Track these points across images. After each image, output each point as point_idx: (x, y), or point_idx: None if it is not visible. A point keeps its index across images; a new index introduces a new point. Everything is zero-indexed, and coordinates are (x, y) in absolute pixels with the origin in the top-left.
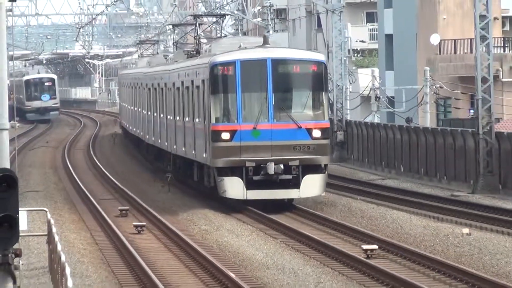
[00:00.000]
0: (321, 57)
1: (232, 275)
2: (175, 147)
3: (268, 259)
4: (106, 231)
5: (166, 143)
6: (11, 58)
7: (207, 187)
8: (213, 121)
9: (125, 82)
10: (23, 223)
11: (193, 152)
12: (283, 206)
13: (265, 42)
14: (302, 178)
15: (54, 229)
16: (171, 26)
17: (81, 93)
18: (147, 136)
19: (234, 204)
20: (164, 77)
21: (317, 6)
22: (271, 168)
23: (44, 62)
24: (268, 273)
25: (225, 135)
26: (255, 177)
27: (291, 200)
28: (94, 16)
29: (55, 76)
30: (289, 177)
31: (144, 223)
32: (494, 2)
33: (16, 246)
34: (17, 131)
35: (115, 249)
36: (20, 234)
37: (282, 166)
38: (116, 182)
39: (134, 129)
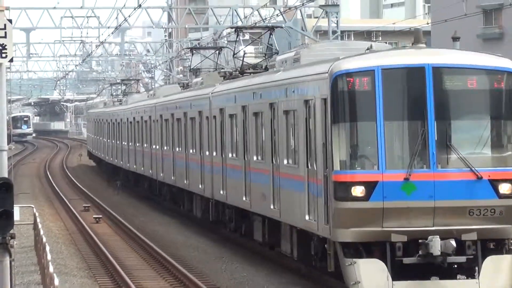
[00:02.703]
0: (510, 64)
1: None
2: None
3: (187, 241)
4: (74, 221)
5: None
6: (9, 101)
7: (313, 264)
8: (336, 166)
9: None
10: (16, 215)
11: (247, 199)
12: None
13: (417, 40)
14: (483, 261)
15: (38, 220)
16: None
17: (57, 125)
18: (133, 166)
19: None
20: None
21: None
22: (436, 246)
23: (32, 104)
24: (186, 251)
25: (358, 190)
26: (407, 259)
27: None
28: (67, 72)
29: (30, 114)
30: (462, 259)
31: (101, 216)
32: None
33: (11, 231)
34: (12, 152)
35: (80, 233)
36: (14, 223)
37: (453, 242)
38: (82, 187)
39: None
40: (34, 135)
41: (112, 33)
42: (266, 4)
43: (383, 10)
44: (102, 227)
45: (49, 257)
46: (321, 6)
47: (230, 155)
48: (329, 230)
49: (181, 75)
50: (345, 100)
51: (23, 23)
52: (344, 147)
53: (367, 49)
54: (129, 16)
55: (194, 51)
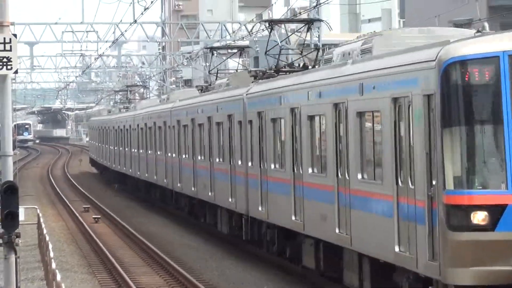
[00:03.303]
0: None
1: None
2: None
3: (180, 240)
4: (75, 221)
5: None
6: (14, 110)
7: None
8: (449, 184)
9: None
10: (21, 216)
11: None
12: None
13: None
14: None
15: (41, 220)
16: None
17: (59, 132)
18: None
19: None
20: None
21: None
22: None
23: (35, 112)
24: (180, 249)
25: (480, 217)
26: None
27: None
28: (68, 83)
29: (31, 122)
30: None
31: (100, 216)
32: None
33: (17, 230)
34: (17, 157)
35: (80, 232)
36: (19, 223)
37: None
38: (82, 190)
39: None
40: (37, 141)
41: (109, 46)
42: (252, 19)
43: (361, 25)
44: (101, 227)
45: (51, 254)
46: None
47: (272, 166)
48: (437, 269)
49: (174, 86)
50: (460, 96)
51: (27, 37)
52: (460, 159)
53: (477, 31)
54: (126, 30)
55: (214, 52)
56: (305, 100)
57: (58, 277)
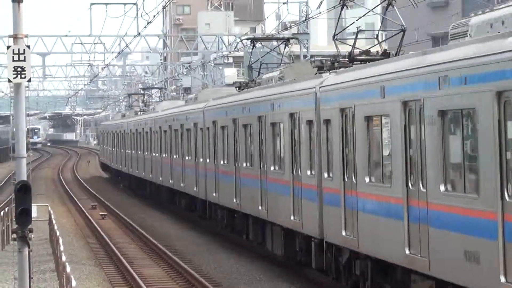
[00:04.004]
0: None
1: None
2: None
3: (180, 234)
4: (83, 217)
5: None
6: (27, 115)
7: None
8: None
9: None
10: (34, 213)
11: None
12: None
13: None
14: None
15: (52, 216)
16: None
17: (69, 136)
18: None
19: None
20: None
21: None
22: None
23: (47, 117)
24: (179, 243)
25: None
26: None
27: None
28: (77, 91)
29: (40, 126)
30: None
31: (106, 213)
32: None
33: (30, 226)
34: (30, 158)
35: (88, 228)
36: (32, 219)
37: None
38: (90, 189)
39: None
40: (49, 144)
41: (115, 57)
42: (246, 32)
43: (347, 37)
44: (107, 223)
45: (61, 248)
46: (293, 34)
47: (367, 179)
48: None
49: (174, 93)
50: None
51: (40, 48)
52: None
53: None
54: (130, 42)
55: (255, 43)
56: (434, 89)
57: (68, 269)
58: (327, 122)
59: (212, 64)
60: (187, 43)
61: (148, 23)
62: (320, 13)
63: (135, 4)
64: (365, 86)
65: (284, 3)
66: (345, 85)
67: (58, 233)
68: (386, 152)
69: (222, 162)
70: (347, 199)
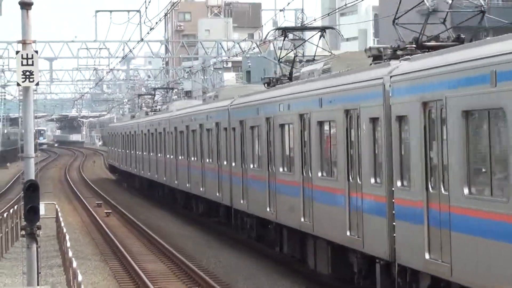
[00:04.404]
0: None
1: None
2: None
3: (182, 232)
4: (89, 215)
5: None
6: (35, 117)
7: None
8: None
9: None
10: (42, 210)
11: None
12: None
13: None
14: None
15: (59, 214)
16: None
17: (75, 137)
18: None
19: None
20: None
21: None
22: None
23: (54, 119)
24: (181, 240)
25: None
26: None
27: None
28: (82, 94)
29: (45, 128)
30: None
31: (111, 211)
32: None
33: (38, 223)
34: (38, 158)
35: (94, 225)
36: (40, 217)
37: None
38: (95, 188)
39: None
40: (56, 145)
41: (119, 62)
42: (245, 38)
43: (341, 43)
44: (112, 220)
45: (68, 244)
46: (290, 40)
47: (465, 191)
48: None
49: (175, 96)
50: None
51: (47, 53)
52: None
53: None
54: (134, 48)
55: (287, 33)
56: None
57: (74, 264)
58: (401, 119)
59: (212, 69)
60: (188, 49)
61: (150, 30)
62: (315, 19)
63: (138, 11)
64: (464, 72)
65: (280, 11)
66: (432, 72)
67: (64, 230)
68: (498, 155)
69: (252, 166)
70: (439, 216)
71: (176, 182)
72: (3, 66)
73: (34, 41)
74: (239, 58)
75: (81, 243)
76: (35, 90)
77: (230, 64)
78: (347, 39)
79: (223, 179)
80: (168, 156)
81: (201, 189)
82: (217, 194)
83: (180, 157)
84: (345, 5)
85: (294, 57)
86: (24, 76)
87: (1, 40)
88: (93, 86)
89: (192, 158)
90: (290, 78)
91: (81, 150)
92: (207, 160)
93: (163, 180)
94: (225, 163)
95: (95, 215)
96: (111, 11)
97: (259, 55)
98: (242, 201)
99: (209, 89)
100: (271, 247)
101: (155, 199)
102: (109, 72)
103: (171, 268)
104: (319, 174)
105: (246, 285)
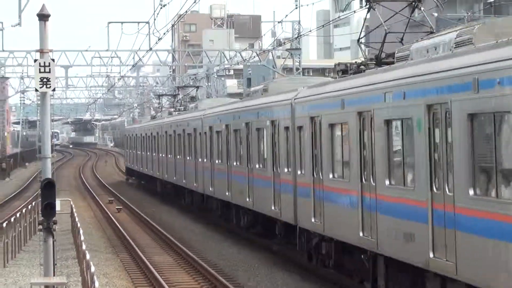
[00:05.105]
0: None
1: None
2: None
3: (187, 226)
4: (101, 210)
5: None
6: (52, 120)
7: None
8: None
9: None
10: (57, 207)
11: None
12: None
13: None
14: None
15: (74, 210)
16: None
17: (88, 139)
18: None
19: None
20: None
21: None
22: None
23: (69, 122)
24: (186, 233)
25: None
26: None
27: None
28: (95, 99)
29: (59, 130)
30: None
31: (121, 207)
32: None
33: (54, 219)
34: (54, 159)
35: (106, 220)
36: (56, 212)
37: None
38: (107, 186)
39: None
40: (71, 146)
41: (130, 69)
42: (245, 48)
43: (334, 52)
44: (122, 216)
45: (82, 238)
46: (287, 50)
47: None
48: None
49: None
50: None
51: (63, 61)
52: None
53: None
54: (143, 56)
55: (373, 4)
56: None
57: (87, 257)
58: None
59: (215, 76)
60: (193, 57)
61: (159, 40)
62: (310, 31)
63: (147, 22)
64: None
65: (279, 22)
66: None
67: (79, 225)
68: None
69: (331, 176)
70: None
71: (211, 189)
72: (22, 73)
73: (51, 50)
74: (240, 66)
75: (94, 237)
76: (52, 95)
77: (232, 72)
78: (340, 49)
79: (282, 189)
80: (200, 159)
81: (247, 199)
82: (273, 208)
83: (217, 161)
84: (339, 17)
85: (385, 35)
86: (41, 83)
87: (21, 49)
88: (105, 92)
89: (235, 163)
90: (379, 62)
91: (94, 151)
92: (257, 166)
93: (193, 187)
94: (285, 170)
95: (107, 211)
96: (122, 23)
97: (258, 64)
98: (313, 220)
99: (213, 95)
100: (324, 265)
101: (161, 196)
102: (120, 79)
103: (176, 260)
104: (471, 192)
105: (247, 276)
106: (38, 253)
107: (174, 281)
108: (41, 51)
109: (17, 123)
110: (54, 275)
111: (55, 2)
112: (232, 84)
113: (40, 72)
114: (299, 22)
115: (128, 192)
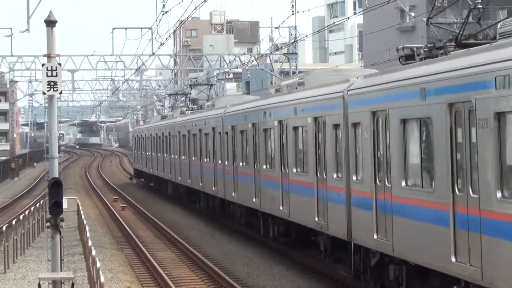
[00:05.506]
0: None
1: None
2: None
3: (188, 223)
4: (106, 208)
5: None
6: (59, 122)
7: None
8: None
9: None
10: (64, 205)
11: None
12: None
13: None
14: None
15: (80, 208)
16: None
17: (94, 140)
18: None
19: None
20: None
21: None
22: None
23: (76, 124)
24: (188, 230)
25: None
26: None
27: None
28: (101, 102)
29: (64, 132)
30: None
31: (126, 205)
32: None
33: (61, 216)
34: (61, 159)
35: (111, 217)
36: (63, 210)
37: None
38: (112, 184)
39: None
40: (77, 146)
41: (133, 73)
42: (244, 52)
43: (329, 56)
44: (126, 213)
45: (88, 235)
46: (284, 54)
47: None
48: None
49: (182, 104)
50: None
51: (70, 66)
52: None
53: None
54: (146, 61)
55: None
56: None
57: (93, 252)
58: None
59: (215, 79)
60: (194, 61)
61: (161, 45)
62: (306, 36)
63: (150, 28)
64: None
65: (276, 28)
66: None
67: (85, 222)
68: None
69: (403, 184)
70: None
71: (234, 194)
72: (30, 77)
73: (58, 55)
74: (239, 70)
75: (99, 234)
76: (59, 98)
77: (231, 75)
78: (335, 53)
79: (330, 198)
80: (220, 161)
81: (281, 208)
82: (316, 219)
83: (241, 164)
84: (333, 23)
85: (469, 10)
86: (49, 86)
87: (29, 54)
88: (110, 95)
89: (264, 167)
90: (460, 43)
91: (100, 151)
92: (294, 171)
93: (212, 191)
94: (334, 176)
95: (112, 208)
96: (126, 28)
97: (257, 67)
98: (376, 236)
99: (213, 98)
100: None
101: (165, 194)
102: (124, 82)
103: (178, 255)
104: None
105: (246, 270)
106: (46, 249)
107: (176, 276)
108: (49, 56)
109: (26, 124)
110: (61, 270)
111: (62, 9)
112: (231, 87)
113: (47, 76)
114: (295, 27)
115: (132, 191)
